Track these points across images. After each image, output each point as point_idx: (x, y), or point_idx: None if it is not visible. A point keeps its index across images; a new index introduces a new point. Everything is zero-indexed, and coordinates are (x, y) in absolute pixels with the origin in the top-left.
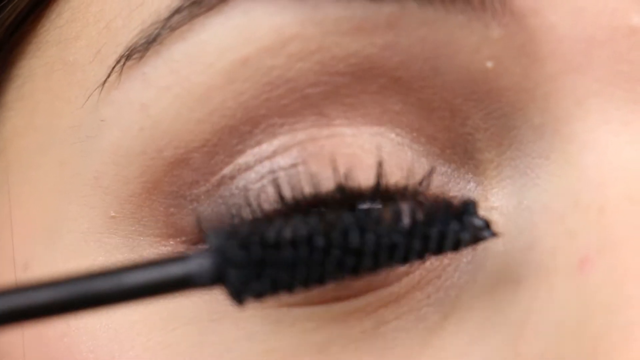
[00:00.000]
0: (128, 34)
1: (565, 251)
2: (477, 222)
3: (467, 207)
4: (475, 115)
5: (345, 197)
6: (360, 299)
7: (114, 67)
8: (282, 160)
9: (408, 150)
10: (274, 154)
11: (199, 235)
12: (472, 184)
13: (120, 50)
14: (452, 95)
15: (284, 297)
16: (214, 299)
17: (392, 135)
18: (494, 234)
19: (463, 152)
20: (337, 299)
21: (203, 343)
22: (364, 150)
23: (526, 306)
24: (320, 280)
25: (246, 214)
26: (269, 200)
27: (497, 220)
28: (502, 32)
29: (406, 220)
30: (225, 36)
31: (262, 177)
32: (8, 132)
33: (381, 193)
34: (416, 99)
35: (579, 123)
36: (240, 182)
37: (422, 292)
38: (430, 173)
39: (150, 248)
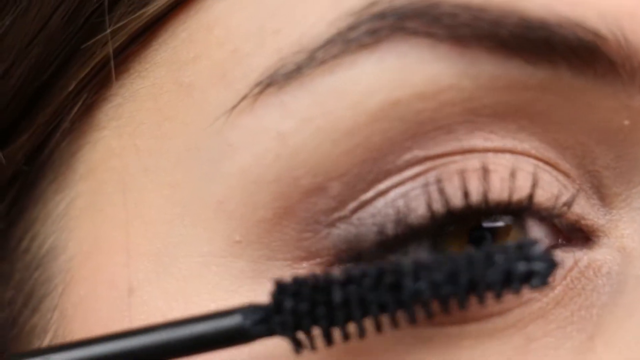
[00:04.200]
0: (263, 60)
1: None
2: (538, 253)
3: (528, 244)
4: (606, 156)
5: (486, 210)
6: (511, 314)
7: (248, 93)
8: (426, 179)
9: (549, 174)
10: (416, 176)
11: (334, 257)
12: (600, 213)
13: (254, 75)
14: (586, 138)
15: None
16: None
17: (534, 161)
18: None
19: (590, 187)
20: (490, 315)
21: None
22: (516, 169)
23: None
24: (376, 327)
25: (388, 229)
26: (411, 215)
27: (630, 246)
28: None
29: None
30: (377, 77)
31: (402, 196)
32: (99, 152)
33: (522, 210)
34: (552, 138)
35: None
36: (380, 202)
37: (566, 309)
38: (574, 196)
39: (280, 272)
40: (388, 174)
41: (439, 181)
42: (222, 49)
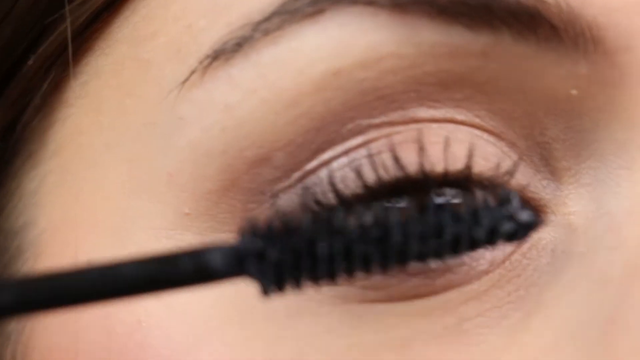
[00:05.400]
0: (213, 34)
1: None
2: (523, 215)
3: (510, 200)
4: (554, 127)
5: (428, 182)
6: (440, 296)
7: (197, 66)
8: (368, 150)
9: (493, 146)
10: (358, 146)
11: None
12: (548, 189)
13: (204, 49)
14: (533, 108)
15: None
16: (292, 295)
17: (477, 132)
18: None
19: (539, 159)
20: (418, 295)
21: (282, 338)
22: (451, 140)
23: (615, 304)
24: (347, 273)
25: (327, 200)
26: (351, 186)
27: (576, 223)
28: (591, 68)
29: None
30: (318, 46)
31: (345, 165)
32: (68, 129)
33: (465, 181)
34: (499, 108)
35: None
36: (323, 172)
37: (503, 290)
38: (516, 165)
39: None
40: (332, 143)
41: (380, 152)
42: (177, 24)
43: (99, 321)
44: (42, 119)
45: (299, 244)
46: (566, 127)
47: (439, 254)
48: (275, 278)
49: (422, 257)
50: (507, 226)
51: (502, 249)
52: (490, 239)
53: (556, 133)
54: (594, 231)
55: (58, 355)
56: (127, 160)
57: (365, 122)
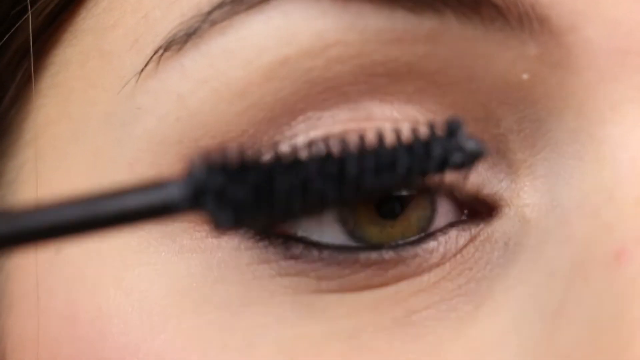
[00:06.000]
0: (167, 25)
1: (601, 243)
2: (471, 145)
3: (457, 130)
4: (509, 118)
5: None
6: (391, 287)
7: (152, 57)
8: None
9: None
10: (311, 143)
11: None
12: (504, 183)
13: (158, 40)
14: (486, 98)
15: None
16: (246, 284)
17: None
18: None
19: (496, 152)
20: (369, 287)
21: (234, 327)
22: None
23: (561, 297)
24: (303, 208)
25: None
26: None
27: (529, 216)
28: (539, 49)
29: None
30: (265, 36)
31: None
32: (41, 120)
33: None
34: (451, 100)
35: (613, 127)
36: None
37: (453, 282)
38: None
39: (184, 234)
40: (284, 138)
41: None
42: (135, 15)
43: (62, 309)
44: (19, 110)
45: (258, 180)
46: (520, 117)
47: (391, 186)
48: (233, 214)
49: (375, 189)
50: (456, 157)
51: (455, 242)
52: (440, 169)
53: (511, 124)
54: (546, 224)
55: (26, 343)
56: (91, 151)
57: (316, 114)
